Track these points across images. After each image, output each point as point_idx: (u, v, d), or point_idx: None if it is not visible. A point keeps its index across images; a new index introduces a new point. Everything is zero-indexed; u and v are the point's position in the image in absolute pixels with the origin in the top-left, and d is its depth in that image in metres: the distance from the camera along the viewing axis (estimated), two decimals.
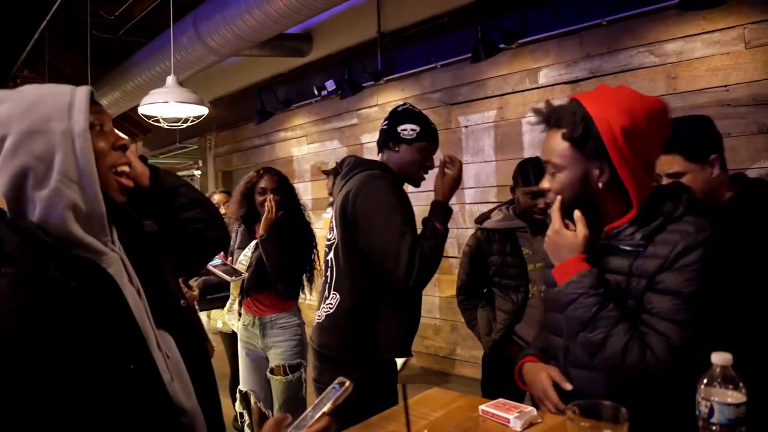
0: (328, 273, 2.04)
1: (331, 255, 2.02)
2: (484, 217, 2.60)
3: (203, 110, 3.81)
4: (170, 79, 3.59)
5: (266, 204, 2.80)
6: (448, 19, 4.63)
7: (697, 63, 3.38)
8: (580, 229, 1.36)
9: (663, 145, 1.44)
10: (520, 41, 4.20)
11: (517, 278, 2.43)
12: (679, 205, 1.35)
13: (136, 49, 5.80)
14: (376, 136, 2.16)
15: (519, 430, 1.39)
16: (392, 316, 1.95)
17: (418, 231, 1.96)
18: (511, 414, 1.42)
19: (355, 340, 1.95)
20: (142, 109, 3.67)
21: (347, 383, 1.07)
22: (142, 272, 1.07)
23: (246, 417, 3.09)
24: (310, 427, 1.01)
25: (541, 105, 1.43)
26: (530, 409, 1.45)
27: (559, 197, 1.39)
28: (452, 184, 2.04)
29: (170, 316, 1.10)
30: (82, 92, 1.00)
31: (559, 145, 1.36)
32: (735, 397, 1.03)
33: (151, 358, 1.00)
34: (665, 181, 1.76)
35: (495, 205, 2.70)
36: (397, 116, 2.09)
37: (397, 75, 5.08)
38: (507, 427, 1.41)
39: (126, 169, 1.06)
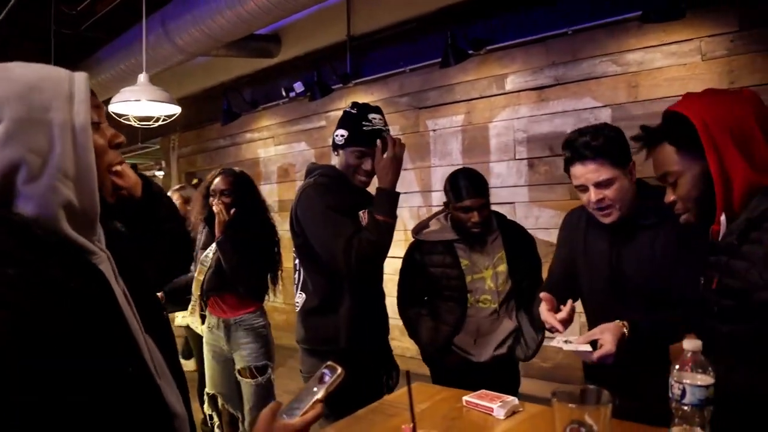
0: (296, 275, 2.20)
1: (298, 260, 2.19)
2: (422, 226, 2.56)
3: (175, 109, 3.77)
4: (142, 77, 3.54)
5: (214, 207, 2.81)
6: (418, 24, 4.71)
7: (656, 73, 3.54)
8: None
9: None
10: (488, 48, 4.30)
11: (458, 290, 2.40)
12: None
13: (99, 46, 5.68)
14: None
15: (502, 418, 1.45)
16: (347, 311, 2.07)
17: None
18: (495, 403, 1.48)
19: (315, 333, 2.12)
20: (113, 107, 3.60)
21: (339, 370, 1.06)
22: (126, 275, 1.04)
23: (216, 419, 3.07)
24: (305, 414, 1.01)
25: (638, 133, 1.47)
26: (512, 399, 1.51)
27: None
28: (389, 166, 2.00)
29: (152, 321, 1.07)
30: (81, 80, 0.93)
31: (668, 154, 1.38)
32: (705, 380, 1.12)
33: (145, 362, 0.97)
34: (594, 192, 1.70)
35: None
36: (337, 121, 2.15)
37: (366, 78, 5.12)
38: (490, 416, 1.47)
39: (120, 168, 1.04)
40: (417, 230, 2.54)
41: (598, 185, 1.69)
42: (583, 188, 1.73)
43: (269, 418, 1.01)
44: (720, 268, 1.32)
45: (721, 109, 1.33)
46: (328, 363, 1.08)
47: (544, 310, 1.75)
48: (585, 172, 1.70)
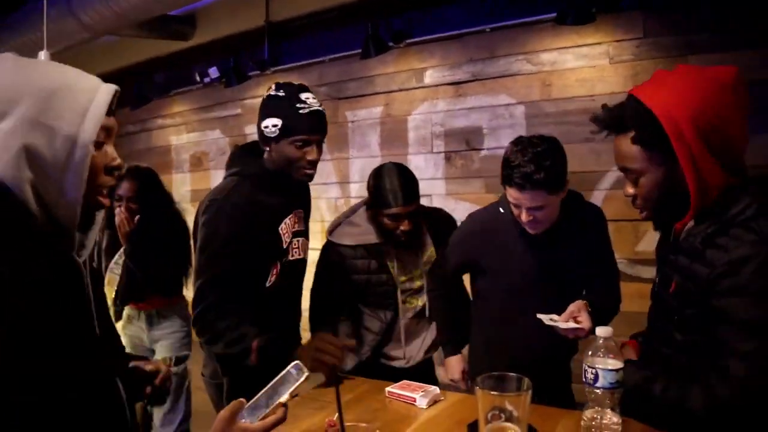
0: None
1: None
2: (336, 224, 2.19)
3: None
4: (42, 55, 3.28)
5: (116, 216, 2.66)
6: (338, 14, 4.66)
7: (568, 73, 3.70)
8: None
9: (746, 120, 1.24)
10: (407, 41, 4.34)
11: (388, 296, 2.16)
12: (750, 205, 1.20)
13: None
14: None
15: (425, 407, 1.47)
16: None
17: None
18: (417, 393, 1.50)
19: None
20: None
21: (306, 373, 0.99)
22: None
23: None
24: (266, 418, 0.96)
25: (598, 112, 1.36)
26: (434, 388, 1.54)
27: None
28: (315, 361, 1.55)
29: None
30: (103, 96, 0.98)
31: (629, 150, 1.28)
32: (615, 364, 1.19)
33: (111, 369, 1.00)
34: (525, 213, 1.72)
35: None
36: (261, 110, 1.79)
37: (285, 66, 5.02)
38: (413, 406, 1.49)
39: (105, 191, 1.05)
40: (331, 230, 2.19)
41: (531, 209, 1.72)
42: (516, 205, 1.77)
43: (228, 419, 0.96)
44: (679, 270, 1.28)
45: (694, 103, 1.18)
46: (296, 362, 1.01)
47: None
48: (520, 197, 1.71)
